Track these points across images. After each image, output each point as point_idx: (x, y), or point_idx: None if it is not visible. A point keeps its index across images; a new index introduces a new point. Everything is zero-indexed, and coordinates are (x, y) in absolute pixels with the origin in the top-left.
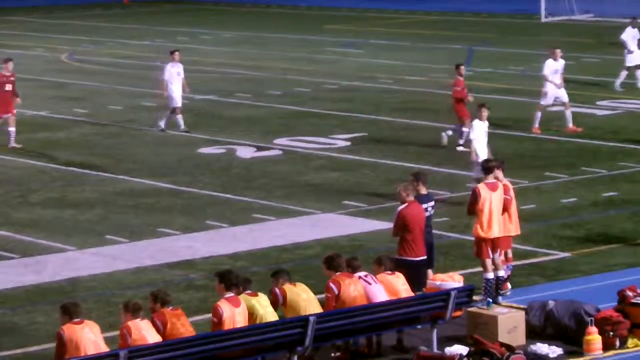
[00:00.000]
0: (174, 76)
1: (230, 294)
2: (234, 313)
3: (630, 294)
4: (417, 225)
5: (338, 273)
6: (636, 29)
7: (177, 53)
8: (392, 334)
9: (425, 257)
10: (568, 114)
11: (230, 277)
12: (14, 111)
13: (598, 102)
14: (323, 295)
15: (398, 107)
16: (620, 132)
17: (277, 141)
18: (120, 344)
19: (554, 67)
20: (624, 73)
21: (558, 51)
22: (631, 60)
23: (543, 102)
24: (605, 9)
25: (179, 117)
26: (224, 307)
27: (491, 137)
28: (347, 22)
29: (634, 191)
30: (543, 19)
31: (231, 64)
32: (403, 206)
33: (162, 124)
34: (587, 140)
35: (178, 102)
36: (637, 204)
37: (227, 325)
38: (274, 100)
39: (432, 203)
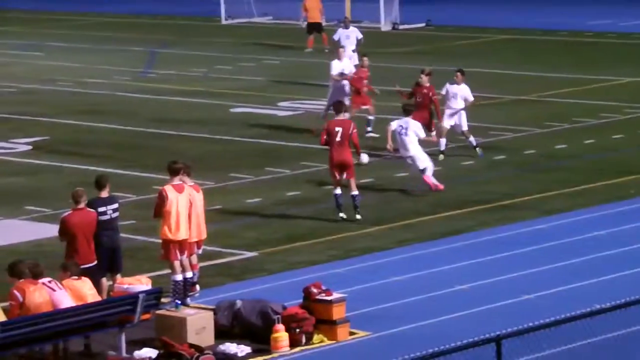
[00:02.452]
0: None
1: None
2: None
3: (314, 290)
4: (82, 232)
5: (22, 280)
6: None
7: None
8: (80, 340)
9: (93, 264)
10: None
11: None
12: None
13: (279, 103)
14: (7, 304)
15: (81, 110)
16: (303, 132)
17: None
18: None
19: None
20: None
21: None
22: None
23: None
24: (282, 11)
25: None
26: None
27: (173, 139)
28: (22, 24)
29: (315, 190)
30: (223, 21)
31: None
32: (67, 212)
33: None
34: (270, 140)
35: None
36: (316, 202)
37: None
38: None
39: (115, 206)
